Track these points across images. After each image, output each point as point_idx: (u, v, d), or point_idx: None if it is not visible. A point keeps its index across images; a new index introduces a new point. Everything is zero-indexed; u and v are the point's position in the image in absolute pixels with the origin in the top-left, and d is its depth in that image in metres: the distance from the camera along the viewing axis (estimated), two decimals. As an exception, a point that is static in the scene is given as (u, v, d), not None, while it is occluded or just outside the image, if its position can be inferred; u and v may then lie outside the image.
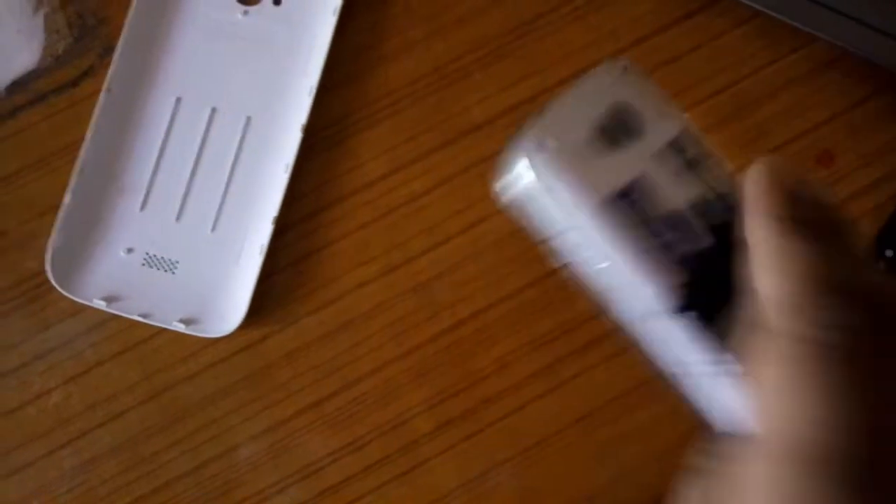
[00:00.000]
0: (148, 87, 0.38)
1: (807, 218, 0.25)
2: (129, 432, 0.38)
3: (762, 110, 0.40)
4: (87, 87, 0.39)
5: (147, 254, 0.38)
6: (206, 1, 0.39)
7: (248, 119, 0.38)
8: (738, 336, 0.26)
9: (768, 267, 0.25)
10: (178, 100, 0.38)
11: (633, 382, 0.38)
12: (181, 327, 0.37)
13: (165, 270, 0.38)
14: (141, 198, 0.38)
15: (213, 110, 0.38)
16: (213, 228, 0.38)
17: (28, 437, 0.38)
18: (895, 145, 0.39)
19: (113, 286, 0.38)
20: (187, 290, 0.38)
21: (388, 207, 0.39)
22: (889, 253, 0.38)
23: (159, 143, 0.38)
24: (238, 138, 0.38)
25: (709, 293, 0.27)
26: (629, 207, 0.27)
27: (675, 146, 0.28)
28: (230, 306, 0.37)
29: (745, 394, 0.26)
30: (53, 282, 0.37)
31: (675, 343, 0.27)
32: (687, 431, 0.29)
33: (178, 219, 0.38)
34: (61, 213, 0.37)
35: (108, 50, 0.39)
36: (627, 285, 0.28)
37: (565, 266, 0.28)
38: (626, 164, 0.28)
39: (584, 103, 0.28)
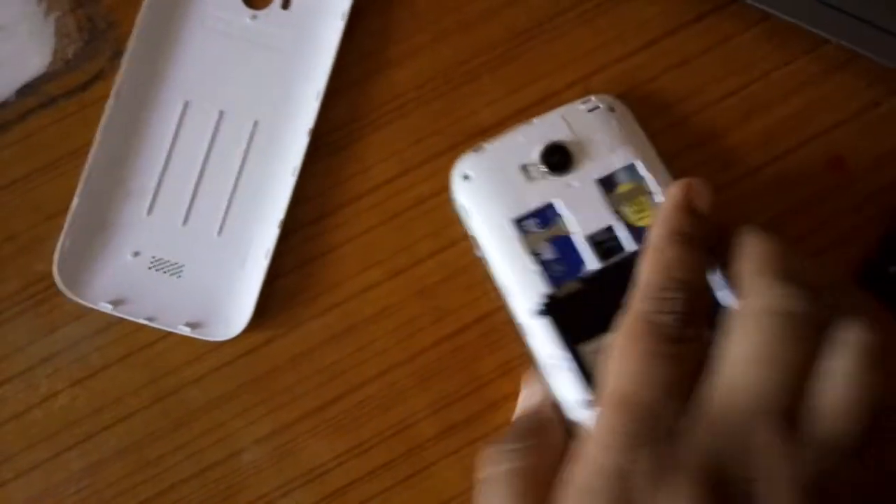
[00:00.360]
0: (156, 91, 0.39)
1: (690, 234, 0.32)
2: (135, 435, 0.38)
3: (772, 114, 0.39)
4: (96, 91, 0.39)
5: (153, 257, 0.38)
6: (215, 5, 0.39)
7: (256, 123, 0.38)
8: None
9: (644, 260, 0.32)
10: (186, 104, 0.39)
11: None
12: (186, 331, 0.37)
13: (171, 274, 0.38)
14: (148, 201, 0.38)
15: (221, 114, 0.39)
16: (220, 232, 0.38)
17: (34, 439, 0.38)
18: (908, 149, 0.39)
19: (119, 289, 0.38)
20: (193, 294, 0.38)
21: (395, 211, 0.39)
22: (893, 269, 0.37)
23: (167, 147, 0.38)
24: (245, 142, 0.38)
25: (568, 307, 0.34)
26: (521, 229, 0.35)
27: (606, 182, 0.36)
28: (235, 310, 0.37)
29: (578, 387, 0.33)
30: (61, 285, 0.37)
31: (536, 339, 0.35)
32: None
33: (184, 223, 0.38)
34: (69, 217, 0.37)
35: (118, 54, 0.39)
36: (511, 286, 0.35)
37: (479, 259, 0.36)
38: (537, 195, 0.36)
39: (525, 138, 0.36)
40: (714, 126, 0.39)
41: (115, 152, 0.38)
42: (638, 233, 0.36)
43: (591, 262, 0.35)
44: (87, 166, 0.37)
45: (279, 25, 0.39)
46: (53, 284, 0.37)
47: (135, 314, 0.37)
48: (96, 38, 0.39)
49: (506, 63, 0.39)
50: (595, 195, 0.36)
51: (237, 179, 0.38)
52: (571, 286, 0.35)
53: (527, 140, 0.36)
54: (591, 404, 0.32)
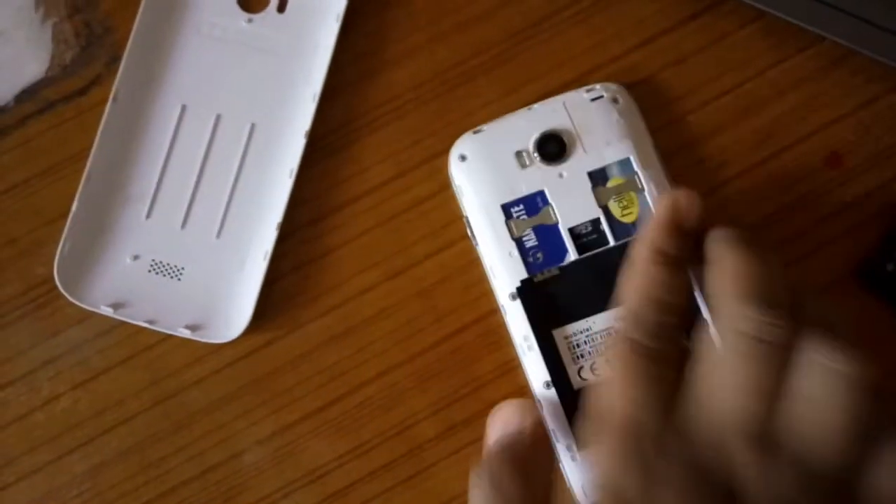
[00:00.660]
0: (153, 96, 0.39)
1: (672, 254, 0.32)
2: (137, 437, 0.38)
3: (769, 111, 0.39)
4: (94, 96, 0.39)
5: (153, 261, 0.38)
6: (211, 9, 0.39)
7: (253, 126, 0.39)
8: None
9: (626, 279, 0.32)
10: (184, 108, 0.39)
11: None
12: (187, 333, 0.37)
13: (171, 277, 0.38)
14: (147, 205, 0.38)
15: (218, 118, 0.39)
16: (218, 235, 0.38)
17: (37, 442, 0.38)
18: (905, 145, 0.39)
19: (119, 293, 0.38)
20: (193, 297, 0.38)
21: (392, 212, 0.39)
22: (890, 267, 0.37)
23: (165, 150, 0.38)
24: (242, 145, 0.39)
25: (544, 293, 0.36)
26: (508, 214, 0.36)
27: (597, 175, 0.37)
28: (235, 312, 0.38)
29: (545, 370, 0.36)
30: (61, 288, 0.37)
31: (512, 320, 0.36)
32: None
33: (183, 226, 0.38)
34: (69, 221, 0.37)
35: (115, 59, 0.39)
36: (494, 268, 0.36)
37: (470, 239, 0.37)
38: (528, 182, 0.36)
39: (523, 124, 0.37)
40: (710, 124, 0.39)
41: (113, 156, 0.38)
42: (623, 228, 0.36)
43: (573, 253, 0.36)
44: (86, 170, 0.37)
45: (275, 28, 0.39)
46: (54, 288, 0.37)
47: (135, 317, 0.37)
48: (93, 44, 0.39)
49: (502, 64, 0.39)
50: (584, 187, 0.36)
51: (235, 182, 0.38)
52: (549, 273, 0.36)
53: (525, 125, 0.37)
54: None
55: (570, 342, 0.36)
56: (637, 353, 0.30)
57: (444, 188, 0.38)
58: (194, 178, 0.38)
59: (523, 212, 0.36)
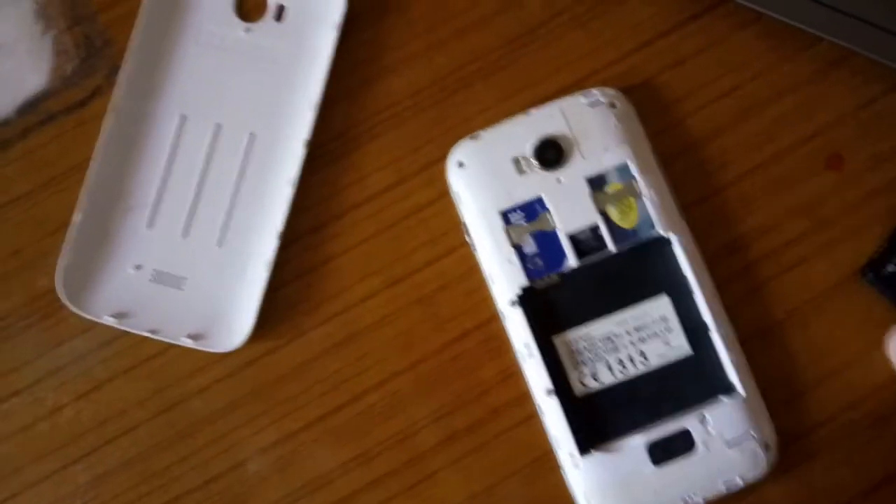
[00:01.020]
0: (153, 106, 0.39)
1: None
2: (140, 447, 0.38)
3: (769, 112, 0.39)
4: (94, 107, 0.39)
5: (155, 270, 0.38)
6: (209, 19, 0.39)
7: (252, 135, 0.39)
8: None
9: None
10: (183, 118, 0.39)
11: (642, 391, 0.38)
12: (189, 342, 0.37)
13: (173, 286, 0.38)
14: (148, 215, 0.39)
15: (218, 127, 0.39)
16: (220, 244, 0.38)
17: (41, 452, 0.38)
18: (907, 146, 0.39)
19: (122, 303, 0.38)
20: (195, 306, 0.38)
21: (392, 220, 0.39)
22: (891, 268, 0.37)
23: (165, 160, 0.39)
24: (242, 154, 0.39)
25: (543, 300, 0.36)
26: (507, 221, 0.36)
27: (596, 181, 0.36)
28: (237, 321, 0.38)
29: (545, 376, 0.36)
30: (64, 299, 0.37)
31: (512, 326, 0.36)
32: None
33: (184, 235, 0.38)
34: (71, 232, 0.37)
35: (115, 70, 0.39)
36: (493, 275, 0.36)
37: (469, 245, 0.37)
38: (526, 188, 0.36)
39: (520, 130, 0.37)
40: (710, 126, 0.39)
41: (114, 167, 0.38)
42: (622, 233, 0.36)
43: (572, 259, 0.36)
44: (87, 181, 0.38)
45: (273, 37, 0.39)
46: (57, 299, 0.37)
47: (138, 327, 0.38)
48: (93, 56, 0.40)
49: (499, 70, 0.39)
50: (583, 193, 0.36)
51: (235, 191, 0.39)
52: (549, 280, 0.36)
53: (522, 131, 0.37)
54: None
55: (571, 349, 0.36)
56: None
57: (444, 195, 0.38)
58: (195, 188, 0.39)
59: (522, 218, 0.36)
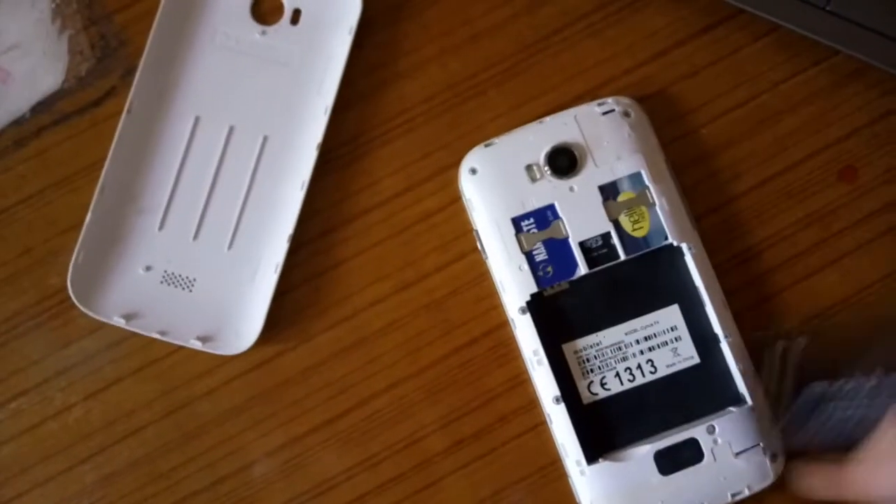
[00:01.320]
0: (167, 107, 0.39)
1: None
2: (148, 448, 0.38)
3: (783, 125, 0.39)
4: (108, 108, 0.40)
5: (165, 272, 0.38)
6: (225, 21, 0.39)
7: (265, 138, 0.39)
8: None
9: None
10: (197, 119, 0.39)
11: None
12: (198, 345, 0.37)
13: (183, 288, 0.38)
14: (159, 216, 0.39)
15: (231, 129, 0.39)
16: (230, 247, 0.38)
17: (49, 451, 0.38)
18: (921, 159, 0.39)
19: (132, 304, 0.38)
20: (204, 308, 0.38)
21: (403, 225, 0.39)
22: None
23: (178, 162, 0.39)
24: (255, 157, 0.39)
25: (553, 308, 0.36)
26: (518, 228, 0.36)
27: (608, 189, 0.36)
28: (246, 324, 0.38)
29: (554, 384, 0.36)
30: (74, 299, 0.37)
31: (522, 334, 0.36)
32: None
33: (195, 237, 0.39)
34: (83, 232, 0.38)
35: (130, 71, 0.39)
36: (504, 282, 0.36)
37: (480, 252, 0.37)
38: (538, 196, 0.36)
39: (534, 138, 0.37)
40: (723, 137, 0.39)
41: (127, 168, 0.38)
42: (633, 242, 0.36)
43: (583, 267, 0.36)
44: (100, 182, 0.38)
45: (288, 41, 0.39)
46: (68, 298, 0.37)
47: (147, 328, 0.38)
48: (108, 56, 0.40)
49: (513, 76, 0.39)
50: (595, 201, 0.36)
51: (247, 194, 0.39)
52: (559, 287, 0.36)
53: (536, 139, 0.37)
54: None
55: (580, 357, 0.36)
56: None
57: (455, 201, 0.38)
58: (207, 190, 0.39)
59: (533, 225, 0.36)
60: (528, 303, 0.36)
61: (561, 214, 0.36)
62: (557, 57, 0.39)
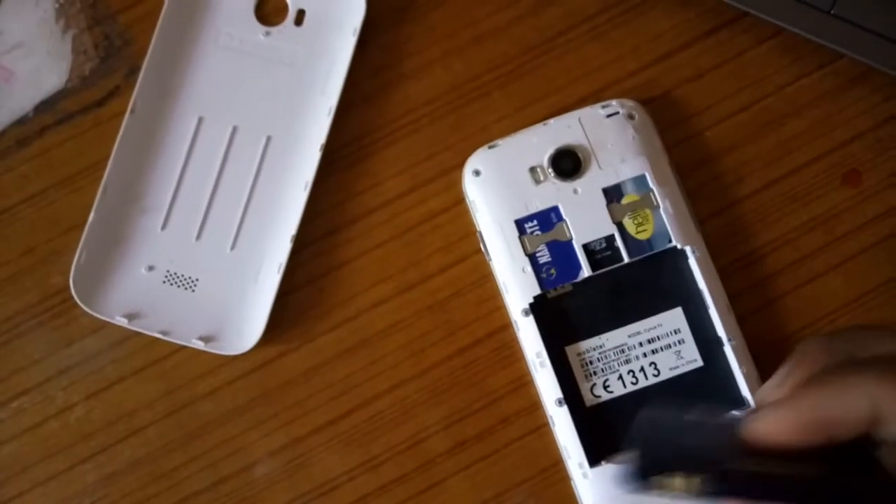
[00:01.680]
0: (171, 107, 0.39)
1: None
2: (149, 448, 0.38)
3: (787, 128, 0.39)
4: (112, 108, 0.40)
5: (168, 272, 0.38)
6: (229, 22, 0.39)
7: (269, 138, 0.39)
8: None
9: None
10: (200, 119, 0.39)
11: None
12: (200, 345, 0.37)
13: (185, 288, 0.38)
14: (162, 216, 0.39)
15: (234, 129, 0.39)
16: (233, 247, 0.38)
17: (51, 451, 0.38)
18: (926, 163, 0.39)
19: (134, 303, 0.38)
20: (206, 308, 0.38)
21: (406, 226, 0.39)
22: None
23: (181, 162, 0.39)
24: (258, 157, 0.39)
25: (556, 310, 0.36)
26: (522, 230, 0.36)
27: (612, 191, 0.36)
28: (248, 324, 0.38)
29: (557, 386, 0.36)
30: (77, 298, 0.37)
31: (525, 336, 0.36)
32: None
33: (198, 237, 0.39)
34: (85, 231, 0.38)
35: (134, 70, 0.39)
36: (507, 284, 0.36)
37: (484, 254, 0.37)
38: (542, 198, 0.36)
39: (538, 140, 0.37)
40: (728, 140, 0.39)
41: (130, 168, 0.38)
42: (637, 245, 0.36)
43: (586, 269, 0.36)
44: (103, 181, 0.38)
45: (292, 41, 0.39)
46: (70, 298, 0.37)
47: (149, 328, 0.38)
48: (112, 56, 0.40)
49: (517, 78, 0.39)
50: (599, 204, 0.36)
51: (250, 194, 0.39)
52: (563, 290, 0.36)
53: (540, 141, 0.37)
54: None
55: (583, 359, 0.36)
56: None
57: (459, 202, 0.38)
58: (210, 190, 0.39)
59: (537, 227, 0.36)
60: (531, 305, 0.36)
61: (565, 216, 0.36)
62: (562, 59, 0.39)
